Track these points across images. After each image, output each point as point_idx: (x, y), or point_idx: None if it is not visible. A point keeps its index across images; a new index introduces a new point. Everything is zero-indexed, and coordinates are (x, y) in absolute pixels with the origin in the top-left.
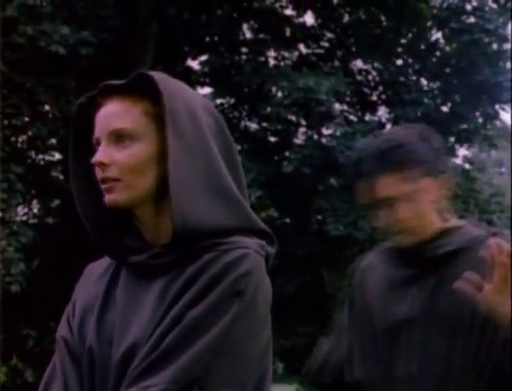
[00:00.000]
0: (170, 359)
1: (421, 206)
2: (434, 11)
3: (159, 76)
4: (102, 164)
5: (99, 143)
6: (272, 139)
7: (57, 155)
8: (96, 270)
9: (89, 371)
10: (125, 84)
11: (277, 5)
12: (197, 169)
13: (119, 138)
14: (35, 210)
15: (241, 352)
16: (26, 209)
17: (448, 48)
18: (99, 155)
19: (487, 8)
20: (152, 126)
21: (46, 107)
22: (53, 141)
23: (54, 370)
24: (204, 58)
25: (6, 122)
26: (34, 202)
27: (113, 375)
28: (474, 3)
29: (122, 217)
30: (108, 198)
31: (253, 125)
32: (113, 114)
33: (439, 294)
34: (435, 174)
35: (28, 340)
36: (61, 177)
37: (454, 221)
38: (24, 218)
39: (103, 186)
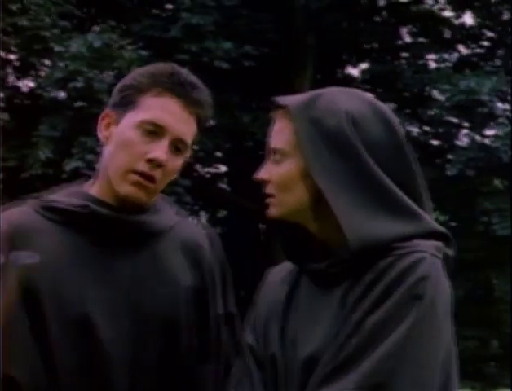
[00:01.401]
0: (353, 365)
1: None
2: None
3: (301, 103)
4: (261, 181)
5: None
6: (434, 143)
7: (223, 168)
8: (277, 275)
9: (272, 376)
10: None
11: (435, 7)
12: (349, 179)
13: (275, 156)
14: (203, 221)
15: (423, 356)
16: (194, 220)
17: None
18: (260, 172)
19: None
20: (299, 145)
21: (212, 122)
22: (218, 154)
23: (240, 375)
24: (364, 65)
25: None
26: (202, 213)
27: (296, 380)
28: None
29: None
30: (268, 212)
31: (415, 129)
32: (273, 132)
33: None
34: None
35: None
36: (227, 188)
37: None
38: None
39: (265, 201)
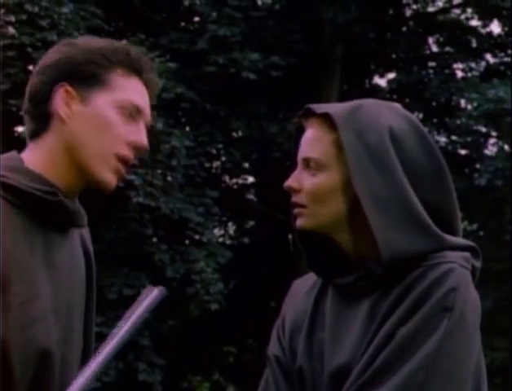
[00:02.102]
0: (384, 378)
1: None
2: None
3: (344, 113)
4: (292, 190)
5: (297, 167)
6: (462, 152)
7: (250, 179)
8: (303, 286)
9: (300, 388)
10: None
11: (463, 16)
12: (384, 194)
13: (309, 165)
14: (231, 232)
15: (453, 368)
16: (222, 231)
17: None
18: (290, 181)
19: None
20: (340, 156)
21: (239, 133)
22: (246, 165)
23: (267, 387)
24: (391, 75)
25: (200, 150)
26: (230, 224)
27: None
28: None
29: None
30: (296, 223)
31: (443, 139)
32: (307, 141)
33: None
34: None
35: (228, 357)
36: (255, 199)
37: None
38: (221, 240)
39: (293, 210)
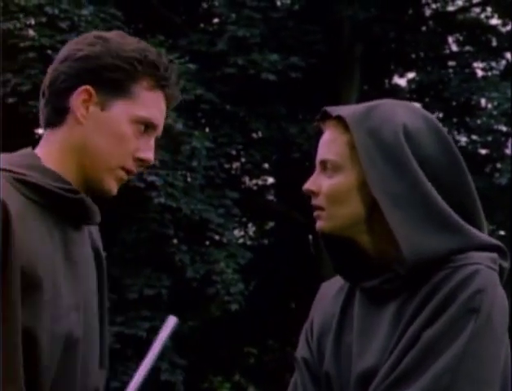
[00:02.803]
0: (410, 380)
1: None
2: None
3: (358, 114)
4: (310, 193)
5: (315, 168)
6: (483, 151)
7: (270, 180)
8: (331, 289)
9: (327, 390)
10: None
11: (482, 15)
12: (402, 192)
13: (326, 167)
14: (251, 233)
15: (480, 370)
16: (242, 232)
17: None
18: (308, 184)
19: None
20: (355, 156)
21: (259, 134)
22: (265, 166)
23: (295, 390)
24: (411, 75)
25: (220, 151)
26: (249, 225)
27: None
28: None
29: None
30: (317, 225)
31: (463, 139)
32: (323, 143)
33: None
34: None
35: (249, 358)
36: (275, 200)
37: None
38: (241, 241)
39: (313, 213)
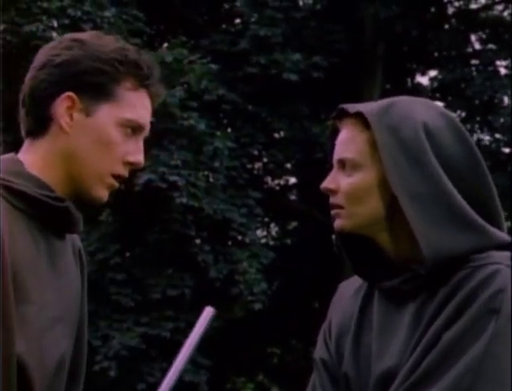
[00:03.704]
0: (430, 382)
1: None
2: None
3: (377, 110)
4: (328, 191)
5: (332, 168)
6: (506, 150)
7: (292, 180)
8: (349, 289)
9: None
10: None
11: (505, 13)
12: (422, 190)
13: (344, 166)
14: (273, 233)
15: (501, 372)
16: (265, 232)
17: None
18: (326, 182)
19: None
20: (375, 154)
21: (281, 134)
22: (288, 166)
23: None
24: (433, 73)
25: (242, 151)
26: (272, 225)
27: None
28: None
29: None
30: (335, 224)
31: (486, 137)
32: (341, 141)
33: None
34: None
35: (272, 358)
36: (297, 199)
37: None
38: (264, 241)
39: (331, 212)
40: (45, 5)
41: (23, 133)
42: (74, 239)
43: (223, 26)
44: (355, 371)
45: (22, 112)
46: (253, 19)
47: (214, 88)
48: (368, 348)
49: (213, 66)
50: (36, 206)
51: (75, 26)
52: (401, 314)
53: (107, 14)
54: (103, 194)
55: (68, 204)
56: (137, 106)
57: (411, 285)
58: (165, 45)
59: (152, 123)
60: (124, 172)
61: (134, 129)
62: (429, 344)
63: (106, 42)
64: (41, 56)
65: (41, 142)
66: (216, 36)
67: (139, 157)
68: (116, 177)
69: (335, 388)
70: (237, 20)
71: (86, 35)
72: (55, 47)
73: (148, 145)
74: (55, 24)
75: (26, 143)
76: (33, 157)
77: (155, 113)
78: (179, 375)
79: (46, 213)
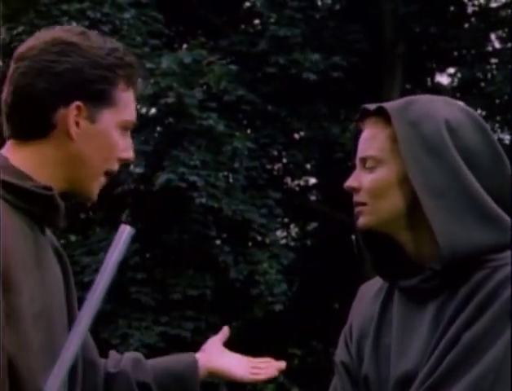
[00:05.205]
0: (451, 382)
1: None
2: None
3: (398, 106)
4: (352, 189)
5: (355, 167)
6: None
7: (312, 180)
8: (369, 291)
9: None
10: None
11: None
12: (443, 186)
13: (366, 164)
14: (293, 233)
15: None
16: (285, 233)
17: None
18: (350, 181)
19: None
20: (396, 149)
21: (301, 134)
22: (308, 166)
23: None
24: (453, 71)
25: (261, 152)
26: (292, 225)
27: None
28: None
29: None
30: (358, 222)
31: (507, 136)
32: (364, 140)
33: None
34: None
35: (293, 359)
36: (317, 200)
37: None
38: (284, 241)
39: (355, 210)
40: (64, 7)
41: (6, 133)
42: (52, 239)
43: (242, 27)
44: (376, 372)
45: (6, 111)
46: (272, 20)
47: (233, 89)
48: (387, 349)
49: (232, 67)
50: (25, 198)
51: (94, 28)
52: (421, 314)
53: (126, 15)
54: (95, 191)
55: (55, 192)
56: (130, 105)
57: (430, 284)
58: (185, 46)
59: (171, 123)
60: (116, 168)
61: (128, 127)
62: (449, 345)
63: (98, 44)
64: (33, 60)
65: (39, 145)
66: (235, 36)
67: (131, 153)
68: (109, 173)
69: (357, 390)
70: (256, 21)
71: (72, 35)
72: (49, 52)
73: (168, 145)
74: (75, 25)
75: (12, 144)
76: (27, 156)
77: (174, 114)
78: (99, 303)
79: (32, 202)
